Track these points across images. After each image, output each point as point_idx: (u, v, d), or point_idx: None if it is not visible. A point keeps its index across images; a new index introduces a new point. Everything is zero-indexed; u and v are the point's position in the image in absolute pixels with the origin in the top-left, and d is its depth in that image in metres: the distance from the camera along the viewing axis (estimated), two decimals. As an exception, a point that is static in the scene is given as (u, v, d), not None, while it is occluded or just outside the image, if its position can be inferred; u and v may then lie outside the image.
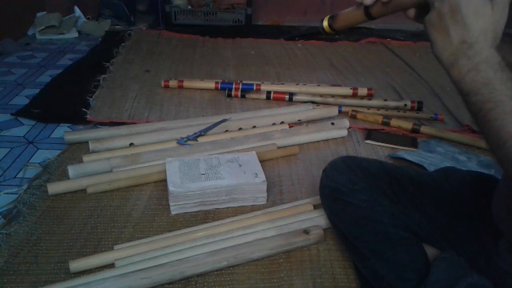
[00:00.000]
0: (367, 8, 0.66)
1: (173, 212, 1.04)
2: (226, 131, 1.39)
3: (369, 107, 1.60)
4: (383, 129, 1.47)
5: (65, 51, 2.22)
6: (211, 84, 1.73)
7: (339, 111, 1.57)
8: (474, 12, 0.53)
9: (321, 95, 1.66)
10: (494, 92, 0.51)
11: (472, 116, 0.55)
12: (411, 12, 0.64)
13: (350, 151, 1.34)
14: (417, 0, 0.61)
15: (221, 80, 1.76)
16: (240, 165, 1.11)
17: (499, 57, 0.53)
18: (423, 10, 0.60)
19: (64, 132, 1.32)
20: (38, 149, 1.30)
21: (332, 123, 1.42)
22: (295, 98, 1.65)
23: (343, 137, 1.41)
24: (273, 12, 2.91)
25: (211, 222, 1.00)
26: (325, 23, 0.73)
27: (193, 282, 0.86)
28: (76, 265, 0.85)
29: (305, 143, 1.37)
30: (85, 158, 1.20)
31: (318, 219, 0.99)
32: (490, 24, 0.53)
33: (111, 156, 1.20)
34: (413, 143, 1.37)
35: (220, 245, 0.91)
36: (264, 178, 1.07)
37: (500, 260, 0.70)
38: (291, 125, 1.45)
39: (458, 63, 0.54)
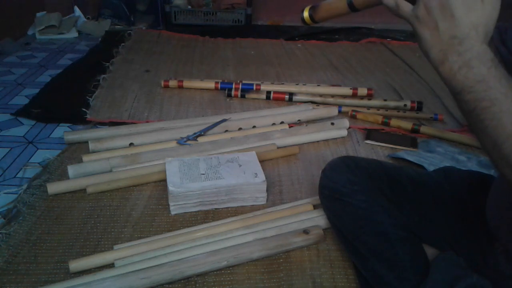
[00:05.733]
0: None
1: (173, 212, 1.04)
2: (226, 131, 1.38)
3: (369, 107, 1.60)
4: (383, 129, 1.47)
5: (65, 51, 2.22)
6: (211, 84, 1.73)
7: (339, 111, 1.57)
8: (464, 5, 0.50)
9: (321, 95, 1.66)
10: (489, 90, 0.49)
11: (465, 115, 0.53)
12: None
13: (350, 151, 1.34)
14: None
15: (221, 80, 1.76)
16: (240, 165, 1.11)
17: (491, 54, 0.50)
18: (409, 2, 0.58)
19: (64, 132, 1.32)
20: (38, 149, 1.30)
21: (332, 123, 1.42)
22: (295, 98, 1.65)
23: (343, 137, 1.41)
24: (273, 12, 2.91)
25: (211, 222, 1.00)
26: (306, 14, 0.70)
27: (193, 282, 0.86)
28: (75, 265, 0.85)
29: (305, 143, 1.37)
30: (85, 158, 1.20)
31: (317, 219, 0.99)
32: (481, 18, 0.50)
33: (111, 156, 1.20)
34: (413, 143, 1.37)
35: (220, 245, 0.91)
36: (264, 178, 1.07)
37: (497, 262, 0.70)
38: (291, 125, 1.45)
39: (448, 59, 0.51)
